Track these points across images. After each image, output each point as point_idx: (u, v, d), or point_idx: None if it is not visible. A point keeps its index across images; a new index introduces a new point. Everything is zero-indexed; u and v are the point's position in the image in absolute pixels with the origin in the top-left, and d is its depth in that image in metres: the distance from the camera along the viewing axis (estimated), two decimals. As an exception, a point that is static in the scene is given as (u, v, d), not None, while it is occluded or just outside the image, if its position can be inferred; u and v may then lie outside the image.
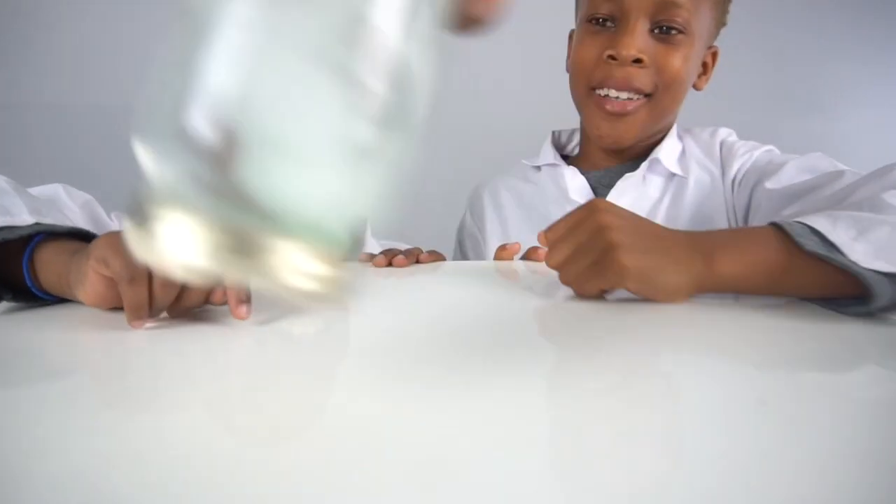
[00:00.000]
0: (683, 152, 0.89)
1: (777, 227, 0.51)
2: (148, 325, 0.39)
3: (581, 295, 0.55)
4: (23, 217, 0.46)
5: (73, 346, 0.38)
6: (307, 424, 0.27)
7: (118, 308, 0.42)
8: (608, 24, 0.81)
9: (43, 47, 1.56)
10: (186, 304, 0.41)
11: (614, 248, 0.51)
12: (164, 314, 0.42)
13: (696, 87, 0.87)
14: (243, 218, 0.19)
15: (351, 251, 0.21)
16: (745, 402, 0.30)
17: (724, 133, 0.91)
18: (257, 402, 0.29)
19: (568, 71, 0.89)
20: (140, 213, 0.20)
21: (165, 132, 0.19)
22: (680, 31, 0.79)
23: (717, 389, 0.32)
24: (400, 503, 0.20)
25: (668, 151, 0.88)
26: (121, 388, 0.32)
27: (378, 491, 0.21)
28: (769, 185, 0.74)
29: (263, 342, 0.39)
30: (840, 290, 0.49)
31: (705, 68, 0.88)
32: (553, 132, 1.00)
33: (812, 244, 0.48)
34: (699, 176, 0.86)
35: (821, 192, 0.65)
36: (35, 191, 0.60)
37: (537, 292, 0.57)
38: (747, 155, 0.84)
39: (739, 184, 0.83)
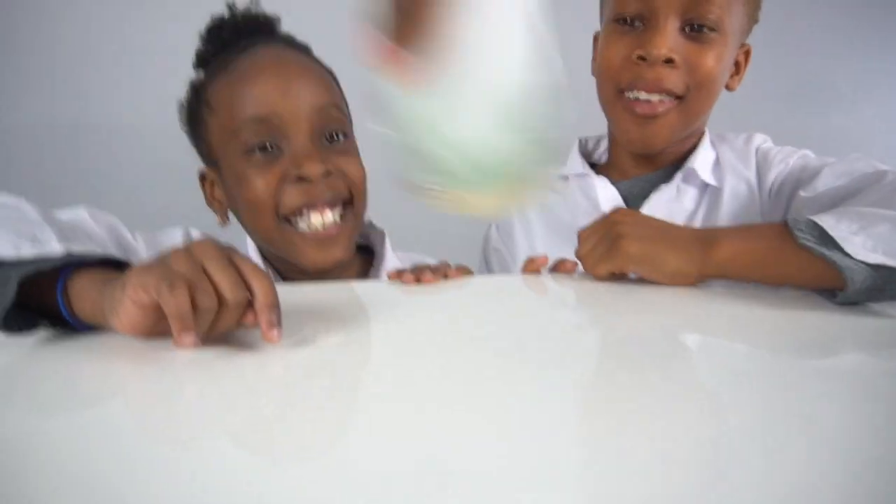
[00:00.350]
0: (718, 161, 0.86)
1: (785, 223, 0.58)
2: (197, 341, 0.39)
3: (596, 277, 0.65)
4: (52, 245, 0.45)
5: (109, 375, 0.38)
6: (344, 449, 0.27)
7: (153, 337, 0.41)
8: (636, 23, 0.78)
9: (41, 66, 1.57)
10: (221, 326, 0.41)
11: (621, 237, 0.62)
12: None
13: (728, 87, 0.84)
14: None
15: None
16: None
17: (759, 140, 0.87)
18: (293, 427, 0.29)
19: (594, 74, 0.86)
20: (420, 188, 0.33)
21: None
22: (712, 29, 0.76)
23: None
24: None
25: (702, 160, 0.85)
26: (157, 416, 0.32)
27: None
28: (804, 193, 0.72)
29: (296, 366, 0.39)
30: (829, 282, 0.54)
31: (738, 67, 0.84)
32: (580, 139, 0.97)
33: (806, 238, 0.54)
34: (735, 186, 0.83)
35: (860, 197, 0.63)
36: (62, 216, 0.59)
37: (567, 306, 0.56)
38: (783, 164, 0.81)
39: (776, 194, 0.80)
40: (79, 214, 0.62)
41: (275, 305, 0.41)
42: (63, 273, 0.45)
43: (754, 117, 0.91)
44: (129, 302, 0.39)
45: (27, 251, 0.45)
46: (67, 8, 1.55)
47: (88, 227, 0.61)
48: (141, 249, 0.69)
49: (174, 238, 0.74)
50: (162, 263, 0.40)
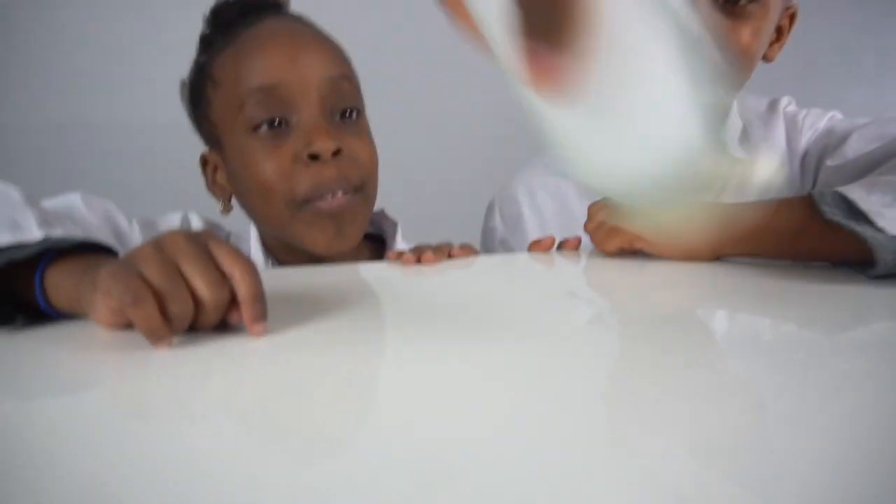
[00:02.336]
0: (745, 131, 0.79)
1: (810, 196, 0.53)
2: (171, 343, 0.36)
3: (605, 253, 0.62)
4: (32, 231, 0.43)
5: (91, 362, 0.36)
6: (335, 432, 0.25)
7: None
8: None
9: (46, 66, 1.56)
10: (203, 325, 0.38)
11: (632, 212, 0.57)
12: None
13: (766, 58, 0.73)
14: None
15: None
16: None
17: (784, 102, 0.81)
18: (286, 411, 0.27)
19: None
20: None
21: None
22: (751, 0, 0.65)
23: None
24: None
25: (731, 133, 0.78)
26: (140, 402, 0.30)
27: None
28: (831, 162, 0.67)
29: (287, 348, 0.36)
30: (859, 258, 0.50)
31: (779, 33, 0.73)
32: None
33: (833, 212, 0.50)
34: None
35: (894, 163, 0.59)
36: (51, 202, 0.57)
37: (577, 284, 0.53)
38: (811, 130, 0.75)
39: (805, 164, 0.75)
40: (70, 200, 0.60)
41: (259, 298, 0.38)
42: (43, 261, 0.42)
43: (771, 92, 0.85)
44: (101, 306, 0.37)
45: (4, 238, 0.42)
46: (64, 5, 1.54)
47: (78, 213, 0.59)
48: (136, 237, 0.66)
49: (172, 223, 0.71)
50: (129, 268, 0.36)
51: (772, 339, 0.37)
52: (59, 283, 0.42)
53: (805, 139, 0.75)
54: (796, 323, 0.40)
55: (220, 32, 0.69)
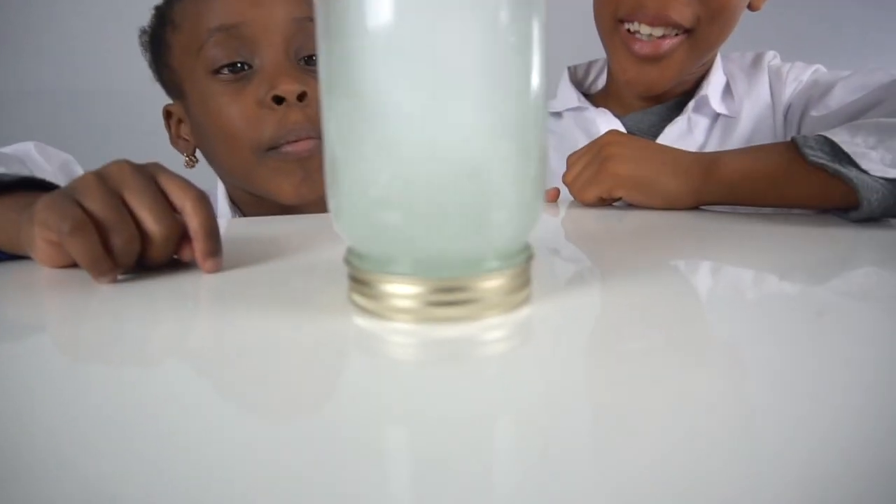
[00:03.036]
0: (728, 87, 0.77)
1: (793, 141, 0.52)
2: (116, 278, 0.34)
3: (583, 203, 0.61)
4: None
5: (30, 304, 0.33)
6: (291, 378, 0.22)
7: (76, 266, 0.37)
8: None
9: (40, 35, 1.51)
10: (152, 260, 0.36)
11: (610, 159, 0.58)
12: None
13: (752, 6, 0.71)
14: None
15: None
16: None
17: (769, 57, 0.79)
18: (235, 356, 0.25)
19: None
20: None
21: None
22: None
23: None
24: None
25: (714, 87, 0.76)
26: (86, 347, 0.27)
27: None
28: (815, 112, 0.66)
29: (237, 289, 0.34)
30: (843, 201, 0.49)
31: None
32: (568, 68, 0.88)
33: (816, 155, 0.49)
34: (748, 113, 0.75)
35: (878, 109, 0.57)
36: (6, 149, 0.55)
37: (553, 235, 0.51)
38: (796, 82, 0.73)
39: (789, 116, 0.73)
40: (24, 147, 0.58)
41: (212, 232, 0.36)
42: None
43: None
44: (39, 239, 0.35)
45: None
46: None
47: (30, 159, 0.57)
48: None
49: None
50: (67, 197, 0.34)
51: (754, 291, 0.35)
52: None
53: (789, 91, 0.73)
54: (778, 271, 0.38)
55: None
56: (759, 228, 0.48)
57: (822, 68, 0.74)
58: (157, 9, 0.68)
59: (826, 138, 0.49)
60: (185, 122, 0.69)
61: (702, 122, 0.76)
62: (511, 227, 0.26)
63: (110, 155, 0.39)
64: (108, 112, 1.56)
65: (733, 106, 0.75)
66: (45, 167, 0.58)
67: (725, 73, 0.79)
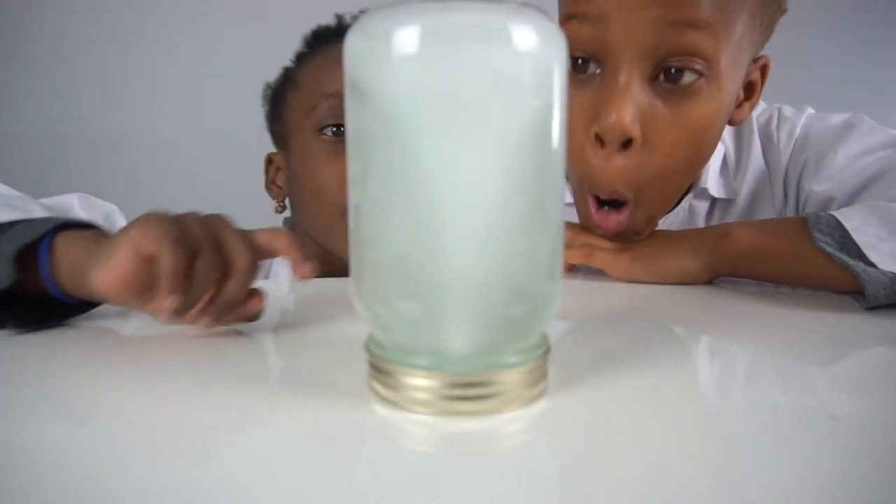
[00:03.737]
0: (724, 162, 0.70)
1: (805, 220, 0.51)
2: (182, 303, 0.35)
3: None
4: (35, 211, 0.42)
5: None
6: (303, 460, 0.22)
7: (129, 303, 0.37)
8: (591, 67, 0.54)
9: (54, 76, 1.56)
10: (223, 298, 0.36)
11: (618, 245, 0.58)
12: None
13: (732, 122, 0.61)
14: None
15: None
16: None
17: (756, 113, 0.70)
18: (246, 432, 0.25)
19: None
20: None
21: None
22: (699, 73, 0.52)
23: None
24: None
25: (713, 172, 0.69)
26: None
27: None
28: (817, 187, 0.62)
29: (254, 355, 0.34)
30: (849, 288, 0.48)
31: (750, 90, 0.61)
32: None
33: (826, 241, 0.48)
34: (746, 189, 0.69)
35: (886, 179, 0.56)
36: (48, 201, 0.56)
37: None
38: (790, 144, 0.67)
39: (787, 182, 0.68)
40: (67, 200, 0.59)
41: (299, 246, 0.39)
42: (46, 238, 0.39)
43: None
44: (124, 250, 0.35)
45: (5, 215, 0.40)
46: (71, 13, 1.54)
47: (75, 211, 0.59)
48: None
49: None
50: (172, 218, 0.36)
51: (751, 370, 0.36)
52: (63, 248, 0.39)
53: (785, 157, 0.67)
54: (780, 350, 0.38)
55: (313, 48, 0.74)
56: (775, 310, 0.48)
57: (812, 114, 0.68)
58: (286, 69, 0.76)
59: (838, 222, 0.49)
60: (283, 170, 0.75)
61: (702, 209, 0.71)
62: (530, 323, 0.27)
63: (146, 198, 0.41)
64: (117, 155, 1.58)
65: (731, 185, 0.70)
66: (90, 217, 0.59)
67: (723, 145, 0.72)
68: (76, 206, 0.60)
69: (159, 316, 0.36)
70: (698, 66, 0.52)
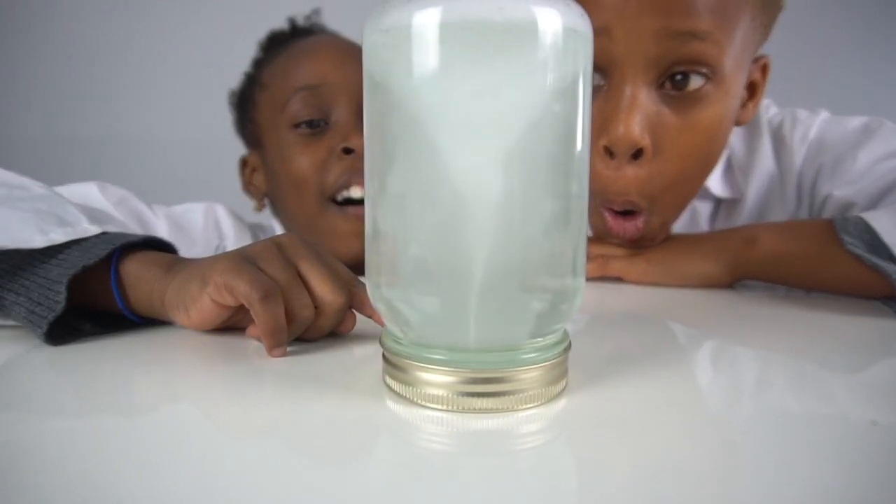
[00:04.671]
0: (729, 162, 0.69)
1: (832, 223, 0.50)
2: (286, 351, 0.34)
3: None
4: (83, 227, 0.39)
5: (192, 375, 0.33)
6: (317, 457, 0.22)
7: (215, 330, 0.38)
8: (596, 79, 0.53)
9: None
10: (315, 333, 0.36)
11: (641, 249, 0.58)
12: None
13: (737, 122, 0.60)
14: None
15: None
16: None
17: (764, 111, 0.68)
18: (263, 428, 0.24)
19: None
20: None
21: None
22: (705, 76, 0.52)
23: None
24: None
25: (716, 173, 0.67)
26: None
27: None
28: (838, 192, 0.60)
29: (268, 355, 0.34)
30: (880, 292, 0.47)
31: (753, 90, 0.60)
32: None
33: (854, 244, 0.47)
34: (754, 189, 0.67)
35: None
36: (66, 191, 0.55)
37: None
38: (804, 146, 0.65)
39: (801, 185, 0.66)
40: (88, 190, 0.59)
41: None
42: (113, 262, 0.38)
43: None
44: (208, 300, 0.35)
45: (58, 235, 0.37)
46: (75, 17, 1.56)
47: (103, 205, 0.58)
48: (162, 226, 0.66)
49: (195, 213, 0.72)
50: (250, 263, 0.35)
51: (774, 374, 0.34)
52: (136, 279, 0.38)
53: (798, 159, 0.66)
54: (822, 365, 0.37)
55: (271, 51, 0.74)
56: (794, 313, 0.47)
57: (827, 117, 0.67)
58: (247, 74, 0.76)
59: (867, 224, 0.48)
60: (259, 170, 0.75)
61: (704, 209, 0.70)
62: (551, 319, 0.26)
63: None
64: (126, 158, 1.59)
65: (736, 184, 0.69)
66: (109, 207, 0.59)
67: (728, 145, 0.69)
68: (97, 193, 0.60)
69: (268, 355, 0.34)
70: (703, 72, 0.52)
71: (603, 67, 0.53)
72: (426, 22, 0.23)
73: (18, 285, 0.37)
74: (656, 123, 0.52)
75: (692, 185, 0.59)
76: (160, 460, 0.22)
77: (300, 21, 0.77)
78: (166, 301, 0.37)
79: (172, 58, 1.58)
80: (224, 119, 0.81)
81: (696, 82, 0.52)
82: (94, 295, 0.38)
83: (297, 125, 0.67)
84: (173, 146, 1.58)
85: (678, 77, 0.52)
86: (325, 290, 0.35)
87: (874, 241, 0.47)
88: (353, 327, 0.37)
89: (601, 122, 0.53)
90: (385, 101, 0.25)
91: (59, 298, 0.35)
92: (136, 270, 0.38)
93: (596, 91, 0.54)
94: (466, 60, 0.23)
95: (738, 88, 0.56)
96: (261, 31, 0.78)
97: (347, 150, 0.65)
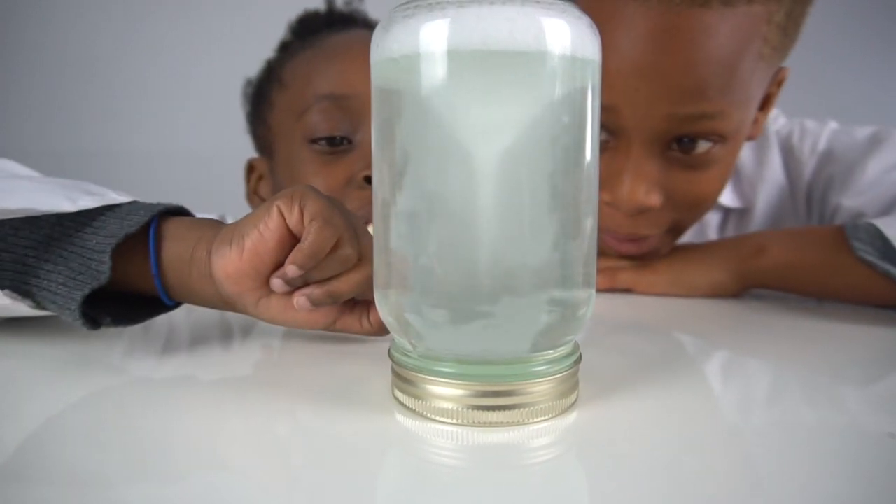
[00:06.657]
0: (738, 172, 0.68)
1: (842, 229, 0.50)
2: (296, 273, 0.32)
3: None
4: (112, 196, 0.35)
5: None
6: (326, 471, 0.22)
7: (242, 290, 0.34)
8: (602, 135, 0.53)
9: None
10: (343, 289, 0.34)
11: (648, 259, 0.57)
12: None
13: (749, 138, 0.59)
14: None
15: None
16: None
17: (772, 121, 0.69)
18: (270, 443, 0.24)
19: None
20: None
21: None
22: (716, 139, 0.52)
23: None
24: None
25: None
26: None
27: None
28: (848, 202, 0.60)
29: (278, 365, 0.34)
30: (892, 298, 0.47)
31: (765, 102, 0.58)
32: None
33: (866, 251, 0.47)
34: (763, 200, 0.67)
35: None
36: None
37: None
38: (813, 157, 0.65)
39: (811, 197, 0.66)
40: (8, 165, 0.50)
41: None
42: (152, 229, 0.34)
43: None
44: (276, 214, 0.31)
45: (87, 202, 0.34)
46: (73, 29, 1.57)
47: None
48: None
49: None
50: (326, 197, 0.33)
51: (787, 386, 0.34)
52: (175, 243, 0.34)
53: (808, 170, 0.65)
54: (836, 375, 0.37)
55: (300, 38, 0.64)
56: (805, 322, 0.47)
57: (835, 128, 0.66)
58: (269, 63, 0.66)
59: (878, 230, 0.47)
60: (266, 179, 0.66)
61: (713, 219, 0.70)
62: (562, 331, 0.26)
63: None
64: (129, 173, 1.60)
65: (745, 194, 0.68)
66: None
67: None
68: (17, 167, 0.53)
69: (277, 278, 0.32)
70: (712, 138, 0.52)
71: (610, 130, 0.52)
72: (436, 25, 0.23)
73: (55, 255, 0.33)
74: (663, 183, 0.53)
75: (701, 216, 0.59)
76: (167, 471, 0.22)
77: (339, 4, 0.66)
78: (217, 240, 0.33)
79: (174, 67, 1.58)
80: (227, 130, 0.74)
81: (703, 146, 0.52)
82: (126, 266, 0.34)
83: (314, 140, 0.57)
84: (177, 158, 1.58)
85: (685, 140, 0.52)
86: (369, 248, 0.32)
87: (886, 248, 0.46)
88: (381, 322, 0.35)
89: (605, 176, 0.52)
90: (394, 113, 0.25)
91: (104, 269, 0.32)
92: (176, 232, 0.34)
93: (602, 146, 0.53)
94: (475, 76, 0.23)
95: (747, 129, 0.55)
96: (266, 40, 0.68)
97: (369, 180, 0.54)
